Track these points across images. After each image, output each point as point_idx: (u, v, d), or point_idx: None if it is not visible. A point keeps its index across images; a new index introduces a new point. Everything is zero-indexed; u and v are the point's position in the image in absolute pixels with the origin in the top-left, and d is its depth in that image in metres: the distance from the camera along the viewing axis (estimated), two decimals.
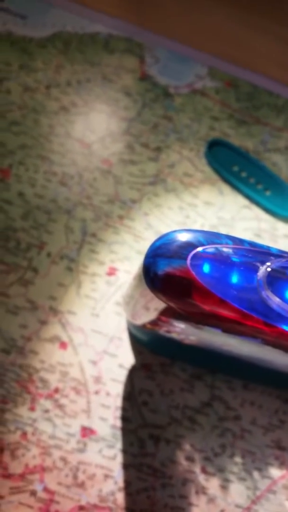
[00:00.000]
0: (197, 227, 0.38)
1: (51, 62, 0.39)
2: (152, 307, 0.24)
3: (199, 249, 0.20)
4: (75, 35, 0.40)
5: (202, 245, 0.20)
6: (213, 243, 0.21)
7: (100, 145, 0.38)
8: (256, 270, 0.20)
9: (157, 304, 0.23)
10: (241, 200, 0.38)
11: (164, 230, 0.37)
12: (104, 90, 0.39)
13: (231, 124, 0.39)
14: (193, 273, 0.20)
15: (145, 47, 0.40)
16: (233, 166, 0.39)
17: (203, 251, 0.20)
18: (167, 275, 0.20)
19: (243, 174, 0.39)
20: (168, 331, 0.27)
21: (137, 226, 0.37)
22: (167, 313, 0.23)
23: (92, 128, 0.38)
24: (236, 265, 0.20)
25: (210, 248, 0.20)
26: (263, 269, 0.20)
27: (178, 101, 0.39)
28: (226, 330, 0.21)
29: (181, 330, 0.26)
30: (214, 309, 0.20)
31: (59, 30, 0.40)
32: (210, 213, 0.38)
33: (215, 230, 0.38)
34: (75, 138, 0.38)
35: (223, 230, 0.38)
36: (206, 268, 0.20)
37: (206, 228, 0.38)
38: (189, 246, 0.20)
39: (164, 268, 0.20)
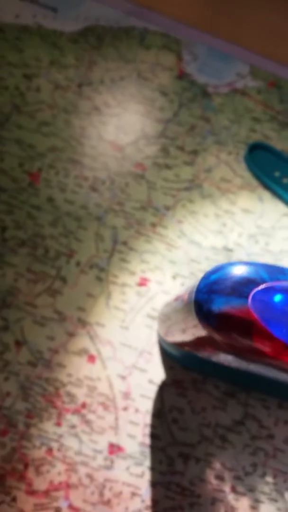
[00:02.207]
0: (234, 236, 0.36)
1: (83, 58, 0.37)
2: (194, 333, 0.22)
3: (262, 286, 0.18)
4: (109, 29, 0.38)
5: (264, 281, 0.18)
6: (277, 279, 0.18)
7: (134, 148, 0.36)
8: None
9: (200, 332, 0.21)
10: (282, 208, 0.36)
11: (198, 238, 0.35)
12: (139, 89, 0.37)
13: (273, 127, 0.37)
14: (255, 314, 0.18)
15: (183, 43, 0.38)
16: (274, 172, 0.36)
17: (266, 289, 0.18)
18: (225, 314, 0.18)
19: (285, 180, 0.36)
20: (209, 356, 0.26)
21: (170, 235, 0.35)
22: (212, 344, 0.21)
23: (126, 130, 0.36)
24: None
25: (274, 285, 0.18)
26: None
27: (217, 101, 0.37)
28: (282, 370, 0.19)
29: (224, 357, 0.24)
30: (277, 354, 0.18)
31: (92, 24, 0.38)
32: (248, 221, 0.36)
33: (252, 239, 0.36)
34: (107, 141, 0.36)
35: (262, 240, 0.36)
36: (269, 308, 0.18)
37: (244, 237, 0.36)
38: (250, 282, 0.18)
39: (221, 306, 0.18)
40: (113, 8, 0.38)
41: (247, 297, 0.18)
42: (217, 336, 0.19)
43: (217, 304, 0.18)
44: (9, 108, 0.36)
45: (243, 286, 0.18)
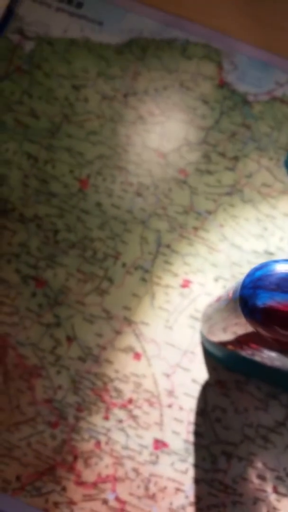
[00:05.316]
0: (275, 239, 0.36)
1: (128, 69, 0.39)
2: (235, 330, 0.23)
3: None
4: (152, 41, 0.39)
5: None
6: None
7: (176, 155, 0.38)
8: None
9: (241, 330, 0.22)
10: None
11: (239, 242, 0.36)
12: (181, 98, 0.38)
13: None
14: None
15: (223, 53, 0.39)
16: None
17: None
18: (270, 309, 0.19)
19: None
20: (252, 355, 0.27)
21: (212, 238, 0.36)
22: (258, 342, 0.22)
23: (169, 137, 0.38)
24: None
25: None
26: None
27: (257, 109, 0.38)
28: None
29: (269, 357, 0.25)
30: None
31: (136, 36, 0.39)
32: None
33: None
34: (151, 148, 0.38)
35: None
36: None
37: (285, 241, 0.36)
38: None
39: (266, 301, 0.19)
40: (155, 20, 0.40)
41: None
42: (262, 331, 0.20)
43: (262, 299, 0.20)
44: (60, 118, 0.38)
45: (287, 282, 0.19)
